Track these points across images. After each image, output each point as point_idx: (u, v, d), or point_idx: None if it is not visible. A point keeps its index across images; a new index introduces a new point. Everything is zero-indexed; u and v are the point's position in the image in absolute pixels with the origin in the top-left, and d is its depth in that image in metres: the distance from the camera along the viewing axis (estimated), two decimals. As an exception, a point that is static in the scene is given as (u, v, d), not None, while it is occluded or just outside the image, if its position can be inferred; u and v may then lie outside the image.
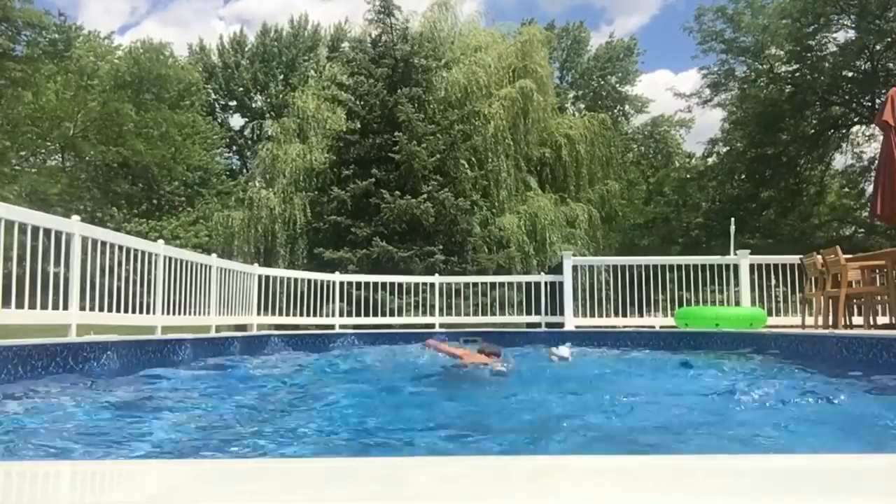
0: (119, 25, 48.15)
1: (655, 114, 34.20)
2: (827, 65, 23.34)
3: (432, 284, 11.00)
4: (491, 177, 18.23)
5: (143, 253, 6.76)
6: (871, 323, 7.26)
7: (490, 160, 18.20)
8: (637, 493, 0.94)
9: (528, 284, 10.88)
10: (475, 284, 11.78)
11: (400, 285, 11.17)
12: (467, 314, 11.10)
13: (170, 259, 7.21)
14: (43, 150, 26.97)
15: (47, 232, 5.26)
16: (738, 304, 9.59)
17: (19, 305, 4.83)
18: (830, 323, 7.35)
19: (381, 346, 8.04)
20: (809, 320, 7.99)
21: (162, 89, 27.47)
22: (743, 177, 26.82)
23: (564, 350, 6.10)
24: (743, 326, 7.87)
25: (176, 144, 27.00)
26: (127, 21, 48.64)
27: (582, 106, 33.50)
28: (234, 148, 35.72)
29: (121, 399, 3.57)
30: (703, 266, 10.00)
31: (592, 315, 10.24)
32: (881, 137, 7.35)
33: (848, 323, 7.43)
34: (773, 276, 9.91)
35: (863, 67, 23.20)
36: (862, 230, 25.31)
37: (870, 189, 23.47)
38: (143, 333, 6.49)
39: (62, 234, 5.45)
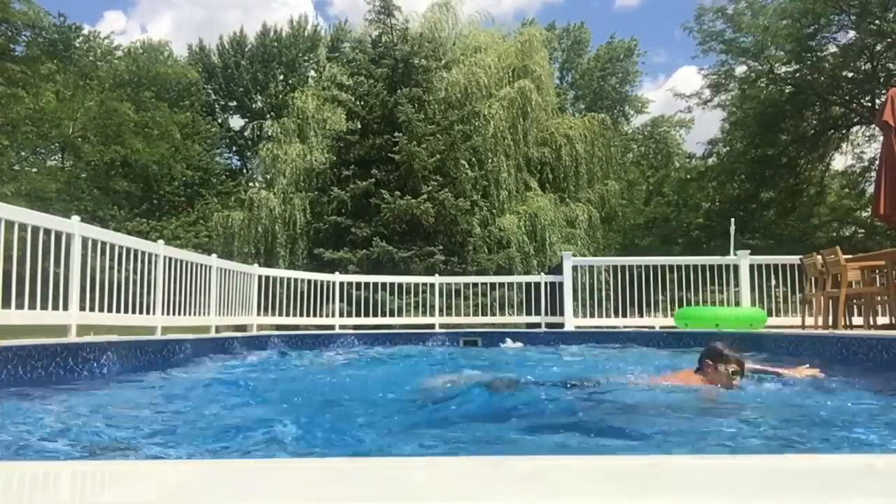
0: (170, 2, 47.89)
1: (667, 113, 34.23)
2: (827, 65, 23.32)
3: (432, 285, 11.00)
4: (491, 177, 18.23)
5: (142, 253, 6.76)
6: (871, 323, 7.26)
7: (490, 160, 18.20)
8: (637, 493, 0.94)
9: (528, 285, 10.88)
10: (475, 285, 11.79)
11: (400, 285, 11.17)
12: (467, 314, 11.11)
13: (170, 259, 7.21)
14: (42, 150, 26.95)
15: (47, 232, 5.26)
16: (738, 304, 9.60)
17: (19, 306, 4.83)
18: (830, 323, 7.35)
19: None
20: (809, 321, 7.99)
21: (161, 89, 27.47)
22: (743, 177, 26.79)
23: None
24: (743, 327, 7.87)
25: (176, 144, 26.99)
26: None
27: (582, 106, 33.50)
28: (234, 148, 35.71)
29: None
30: (703, 266, 10.01)
31: (592, 315, 10.25)
32: (881, 137, 7.35)
33: (848, 323, 7.43)
34: (773, 276, 9.91)
35: (863, 68, 23.18)
36: (862, 230, 25.30)
37: (870, 189, 23.48)
38: (142, 334, 6.49)
39: (62, 234, 5.45)
